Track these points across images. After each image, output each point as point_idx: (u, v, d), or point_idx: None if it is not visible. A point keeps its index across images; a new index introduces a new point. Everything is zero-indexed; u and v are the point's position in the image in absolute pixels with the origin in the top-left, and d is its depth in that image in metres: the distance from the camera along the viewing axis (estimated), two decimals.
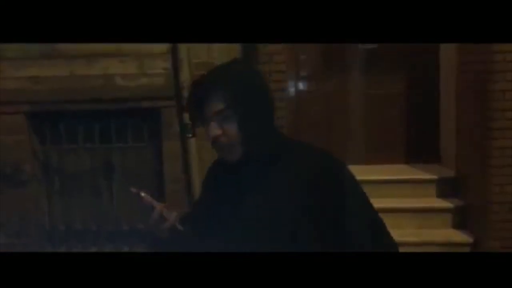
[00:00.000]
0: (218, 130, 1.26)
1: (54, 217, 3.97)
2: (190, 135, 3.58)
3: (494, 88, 3.25)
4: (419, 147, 4.31)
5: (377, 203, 1.34)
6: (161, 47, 3.63)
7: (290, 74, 4.18)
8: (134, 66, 3.68)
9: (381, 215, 1.31)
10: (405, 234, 3.44)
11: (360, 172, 4.18)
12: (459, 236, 3.61)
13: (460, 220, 3.70)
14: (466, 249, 3.54)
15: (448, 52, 3.98)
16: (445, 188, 3.88)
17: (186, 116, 3.60)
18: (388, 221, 1.34)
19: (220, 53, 3.54)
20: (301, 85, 4.45)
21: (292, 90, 4.36)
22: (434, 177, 3.93)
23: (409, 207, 3.72)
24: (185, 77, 3.57)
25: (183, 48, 3.56)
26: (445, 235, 3.65)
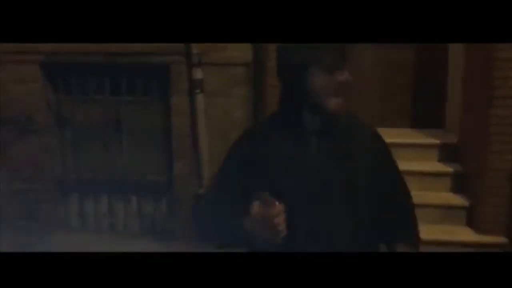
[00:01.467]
0: (341, 102, 1.27)
1: (66, 165, 4.12)
2: (198, 91, 3.69)
3: (499, 56, 3.25)
4: (426, 113, 4.35)
5: None
6: None
7: None
8: None
9: None
10: None
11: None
12: (457, 200, 3.70)
13: (459, 184, 3.78)
14: (463, 212, 3.64)
15: None
16: (447, 153, 3.94)
17: (195, 72, 3.66)
18: None
19: None
20: None
21: None
22: (437, 142, 3.98)
23: (410, 170, 3.79)
24: None
25: None
26: (443, 198, 3.74)
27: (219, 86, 3.71)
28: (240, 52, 3.62)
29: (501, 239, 3.44)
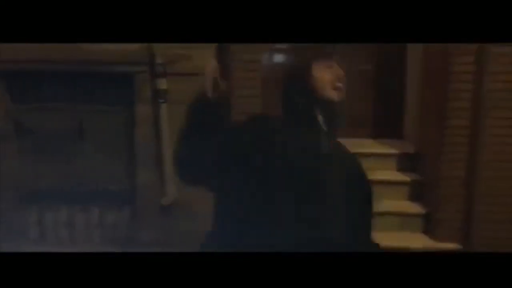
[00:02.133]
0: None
1: (25, 174, 4.03)
2: (162, 100, 3.69)
3: (454, 69, 3.41)
4: (385, 124, 4.50)
5: None
6: None
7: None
8: None
9: None
10: None
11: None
12: (414, 208, 3.84)
13: (416, 193, 3.92)
14: (419, 220, 3.77)
15: None
16: (405, 162, 4.09)
17: (158, 82, 3.67)
18: None
19: None
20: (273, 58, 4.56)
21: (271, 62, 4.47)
22: (396, 152, 4.12)
23: (371, 179, 3.90)
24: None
25: None
26: (401, 206, 3.87)
27: (184, 96, 3.71)
28: (205, 62, 3.64)
29: (455, 246, 3.58)
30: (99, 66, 3.71)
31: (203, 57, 3.63)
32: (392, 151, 4.13)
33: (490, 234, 3.46)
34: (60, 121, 3.93)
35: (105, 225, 4.05)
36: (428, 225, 3.73)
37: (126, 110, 3.88)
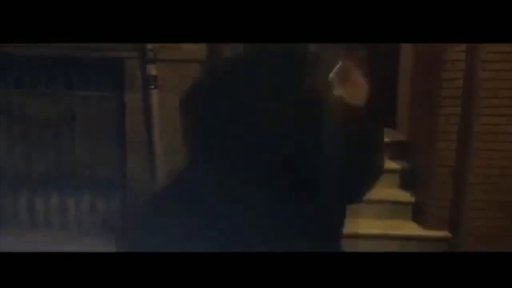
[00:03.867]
0: None
1: (15, 160, 4.01)
2: (152, 87, 3.67)
3: (446, 58, 3.40)
4: (378, 113, 4.49)
5: None
6: None
7: None
8: None
9: None
10: None
11: None
12: (404, 196, 3.85)
13: (407, 181, 3.93)
14: (409, 208, 3.78)
15: None
16: (396, 151, 4.09)
17: (149, 68, 3.64)
18: None
19: None
20: None
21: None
22: (387, 140, 4.12)
23: None
24: None
25: None
26: (392, 194, 3.88)
27: (173, 83, 3.70)
28: (195, 48, 3.62)
29: (445, 234, 3.60)
30: (89, 52, 3.67)
31: (194, 44, 3.60)
32: (385, 139, 4.12)
33: (480, 222, 3.48)
34: (49, 107, 3.90)
35: (96, 211, 4.04)
36: (419, 213, 3.74)
37: (117, 96, 3.86)
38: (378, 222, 3.63)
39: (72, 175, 3.98)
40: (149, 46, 3.59)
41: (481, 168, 3.45)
